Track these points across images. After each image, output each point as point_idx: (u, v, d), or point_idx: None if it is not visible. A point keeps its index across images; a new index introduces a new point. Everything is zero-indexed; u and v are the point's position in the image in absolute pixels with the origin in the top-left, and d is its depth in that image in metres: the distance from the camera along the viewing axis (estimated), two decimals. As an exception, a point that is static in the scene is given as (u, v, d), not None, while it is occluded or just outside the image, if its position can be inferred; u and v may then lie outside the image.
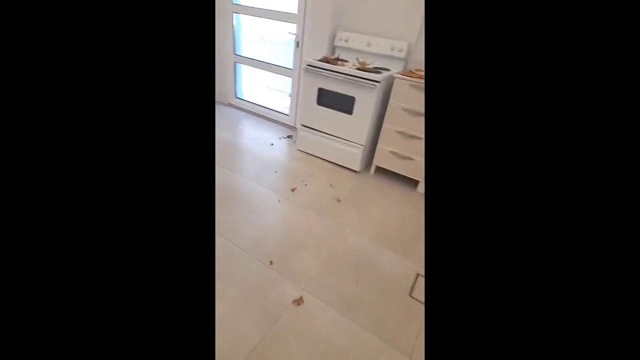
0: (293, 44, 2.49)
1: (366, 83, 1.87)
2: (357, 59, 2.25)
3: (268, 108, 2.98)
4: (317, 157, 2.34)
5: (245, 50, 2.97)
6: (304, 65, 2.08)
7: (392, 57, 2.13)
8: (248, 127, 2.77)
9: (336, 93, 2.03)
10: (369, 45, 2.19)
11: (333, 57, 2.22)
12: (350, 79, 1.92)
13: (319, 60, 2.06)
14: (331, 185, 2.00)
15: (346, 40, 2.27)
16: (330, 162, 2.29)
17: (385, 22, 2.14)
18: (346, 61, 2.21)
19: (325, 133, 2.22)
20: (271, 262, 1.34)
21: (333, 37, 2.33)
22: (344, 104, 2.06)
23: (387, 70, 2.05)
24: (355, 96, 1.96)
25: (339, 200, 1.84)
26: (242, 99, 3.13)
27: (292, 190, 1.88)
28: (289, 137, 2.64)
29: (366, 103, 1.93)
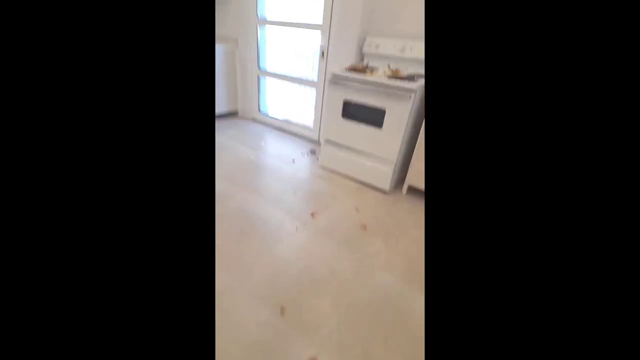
0: (318, 55, 2.34)
1: (398, 92, 1.63)
2: (389, 66, 2.02)
3: (291, 122, 2.84)
4: (341, 174, 2.11)
5: (270, 63, 2.90)
6: (329, 76, 1.90)
7: (429, 64, 1.88)
8: (270, 142, 2.63)
9: (364, 105, 1.80)
10: (402, 50, 1.96)
11: (361, 66, 2.02)
12: (380, 89, 1.70)
13: (345, 69, 1.87)
14: (356, 209, 1.75)
15: (377, 47, 2.06)
16: (356, 180, 2.05)
17: (421, 22, 1.91)
18: (376, 69, 2.00)
19: (350, 148, 1.99)
20: (282, 310, 1.11)
21: (361, 44, 2.13)
22: (372, 116, 1.82)
23: (424, 76, 1.80)
24: (385, 108, 1.72)
25: (364, 228, 1.59)
26: (265, 114, 3.04)
27: (312, 215, 1.66)
28: (311, 152, 2.45)
29: (399, 115, 1.68)
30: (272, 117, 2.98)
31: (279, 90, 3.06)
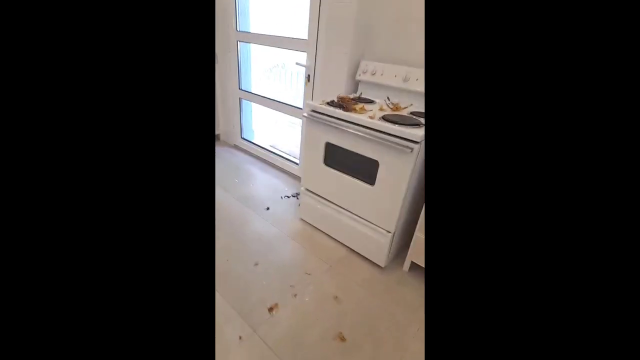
0: (304, 78, 1.92)
1: (396, 143, 1.17)
2: (388, 98, 1.57)
3: (276, 153, 2.41)
4: (324, 233, 1.65)
5: (255, 84, 2.50)
6: (307, 110, 1.47)
7: (441, 97, 1.42)
8: (247, 179, 2.19)
9: (350, 152, 1.36)
10: (405, 80, 1.51)
11: (352, 97, 1.57)
12: (371, 136, 1.24)
13: (327, 104, 1.42)
14: (336, 298, 1.27)
15: (373, 73, 1.61)
16: (343, 244, 1.57)
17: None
18: (371, 102, 1.55)
19: (335, 204, 1.53)
20: None
21: (355, 69, 1.70)
22: (362, 168, 1.36)
23: None
24: (378, 160, 1.27)
25: (342, 339, 1.11)
26: (249, 141, 2.62)
27: (270, 310, 1.19)
28: (293, 196, 2.00)
29: (397, 171, 1.21)
30: (256, 145, 2.56)
31: (265, 115, 2.66)
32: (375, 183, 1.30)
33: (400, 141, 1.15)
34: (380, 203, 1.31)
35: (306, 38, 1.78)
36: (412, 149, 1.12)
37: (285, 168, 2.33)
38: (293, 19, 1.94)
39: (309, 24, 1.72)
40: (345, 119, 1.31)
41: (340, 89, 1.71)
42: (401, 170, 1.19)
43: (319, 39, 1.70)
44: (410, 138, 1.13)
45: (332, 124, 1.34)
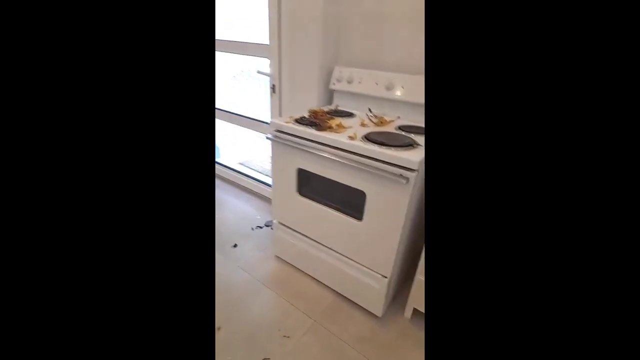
0: (269, 89, 1.64)
1: (386, 171, 0.91)
2: (370, 110, 1.33)
3: (245, 174, 2.10)
4: (304, 274, 1.36)
5: (220, 95, 2.19)
6: (271, 130, 1.19)
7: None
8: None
9: (329, 181, 1.10)
10: (389, 88, 1.27)
11: (327, 110, 1.32)
12: (352, 162, 0.98)
13: (297, 121, 1.14)
14: (323, 372, 1.01)
15: (349, 82, 1.37)
16: (329, 288, 1.30)
17: (419, 48, 1.24)
18: (350, 115, 1.30)
19: (316, 242, 1.26)
20: None
21: (328, 77, 1.45)
22: (345, 200, 1.10)
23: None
24: (364, 191, 1.02)
25: None
26: (217, 163, 2.31)
27: (235, 406, 0.91)
28: (267, 225, 1.71)
29: (390, 205, 0.96)
30: (222, 166, 2.25)
31: (236, 132, 2.36)
32: (364, 218, 1.05)
33: (391, 169, 0.90)
34: (372, 242, 1.06)
35: (267, 43, 1.51)
36: (407, 179, 0.88)
37: (257, 191, 2.03)
38: (255, 22, 1.67)
39: (269, 26, 1.45)
40: (318, 140, 1.05)
41: (312, 101, 1.45)
42: (395, 204, 0.94)
43: (282, 42, 1.43)
44: (405, 165, 0.89)
45: (304, 147, 1.07)
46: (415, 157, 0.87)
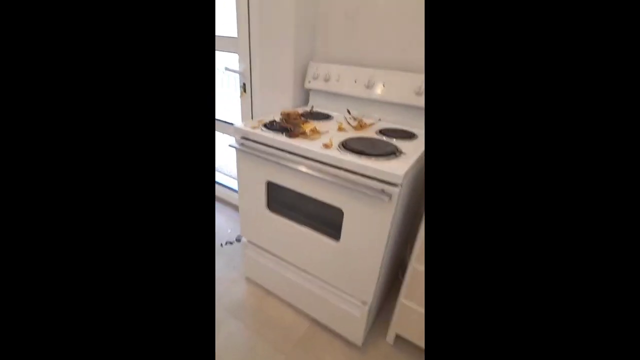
0: (239, 88, 1.48)
1: (365, 186, 0.77)
2: (348, 112, 1.20)
3: (219, 182, 1.90)
4: (277, 298, 1.22)
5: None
6: (236, 136, 1.04)
7: (417, 108, 1.08)
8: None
9: (302, 196, 0.96)
10: (369, 86, 1.14)
11: (301, 112, 1.17)
12: (329, 175, 0.84)
13: (266, 126, 0.98)
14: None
15: (326, 79, 1.22)
16: (304, 313, 1.15)
17: (401, 42, 1.12)
18: (327, 117, 1.15)
19: (288, 263, 1.11)
20: None
21: (303, 74, 1.31)
22: (320, 217, 0.96)
23: (411, 137, 0.99)
24: (341, 208, 0.87)
25: None
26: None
27: None
28: (237, 240, 1.55)
29: (370, 225, 0.82)
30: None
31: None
32: (342, 238, 0.91)
33: (371, 183, 0.77)
34: (351, 265, 0.92)
35: (235, 36, 1.35)
36: (389, 195, 0.74)
37: (229, 200, 1.86)
38: (221, 13, 1.50)
39: (237, 17, 1.29)
40: (289, 150, 0.90)
41: (286, 101, 1.30)
42: (376, 224, 0.81)
43: (252, 34, 1.28)
44: (386, 179, 0.75)
45: (272, 158, 0.92)
46: (399, 169, 0.74)
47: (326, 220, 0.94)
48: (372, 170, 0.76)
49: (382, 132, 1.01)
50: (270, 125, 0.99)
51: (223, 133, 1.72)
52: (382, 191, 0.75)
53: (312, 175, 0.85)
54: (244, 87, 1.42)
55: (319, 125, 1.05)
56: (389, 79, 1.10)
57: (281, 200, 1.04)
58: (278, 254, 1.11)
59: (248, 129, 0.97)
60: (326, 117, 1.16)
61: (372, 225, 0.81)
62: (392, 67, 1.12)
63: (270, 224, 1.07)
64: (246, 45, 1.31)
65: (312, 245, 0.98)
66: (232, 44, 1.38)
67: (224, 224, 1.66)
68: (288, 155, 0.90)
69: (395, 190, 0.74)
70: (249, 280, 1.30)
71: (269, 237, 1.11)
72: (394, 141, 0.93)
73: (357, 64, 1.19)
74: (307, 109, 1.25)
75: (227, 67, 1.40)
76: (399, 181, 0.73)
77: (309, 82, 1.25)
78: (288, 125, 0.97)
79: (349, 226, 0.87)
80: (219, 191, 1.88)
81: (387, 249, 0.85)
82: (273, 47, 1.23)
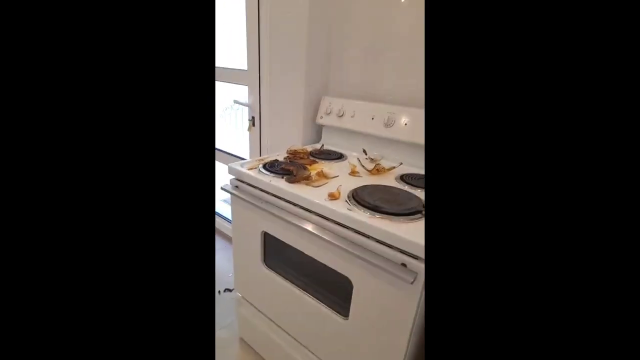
0: (247, 122, 1.39)
1: (380, 258, 0.58)
2: (364, 152, 1.04)
3: (221, 216, 1.77)
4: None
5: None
6: (230, 177, 0.91)
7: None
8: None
9: (304, 255, 0.76)
10: (388, 124, 0.98)
11: (310, 150, 1.03)
12: (333, 238, 0.65)
13: (267, 166, 0.83)
14: None
15: (340, 115, 1.09)
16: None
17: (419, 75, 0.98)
18: (339, 157, 1.00)
19: (287, 334, 0.89)
20: None
21: (315, 109, 1.19)
22: (325, 283, 0.77)
23: None
24: (349, 278, 0.67)
25: None
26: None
27: None
28: (229, 290, 1.37)
29: (386, 306, 0.61)
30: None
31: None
32: (351, 315, 0.71)
33: (387, 253, 0.57)
34: (363, 351, 0.71)
35: (245, 68, 1.28)
36: (414, 274, 0.55)
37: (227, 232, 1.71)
38: (232, 45, 1.46)
39: (247, 47, 1.23)
40: (287, 198, 0.74)
41: (296, 137, 1.18)
42: (395, 307, 0.61)
43: (262, 66, 1.20)
44: (409, 250, 0.55)
45: (267, 206, 0.77)
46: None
47: (332, 289, 0.75)
48: (389, 236, 0.57)
49: (403, 179, 0.84)
50: (271, 166, 0.85)
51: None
52: (403, 266, 0.56)
53: (314, 234, 0.68)
54: (252, 121, 1.33)
55: (329, 166, 0.90)
56: (412, 116, 0.94)
57: (280, 256, 0.86)
58: (274, 320, 0.92)
59: (242, 169, 0.83)
60: (339, 157, 1.01)
61: (390, 308, 0.61)
62: (415, 104, 0.97)
63: (265, 283, 0.89)
64: (256, 76, 1.23)
65: (314, 318, 0.78)
66: (242, 77, 1.32)
67: (227, 265, 1.49)
68: (285, 205, 0.74)
69: (421, 266, 0.54)
70: (242, 342, 1.10)
71: (264, 298, 0.93)
72: (418, 192, 0.75)
73: (376, 100, 1.05)
74: (317, 146, 1.11)
75: (235, 99, 1.33)
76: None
77: (321, 117, 1.13)
78: (290, 168, 0.82)
79: (359, 302, 0.67)
80: (221, 225, 1.75)
81: (412, 336, 0.64)
82: (283, 79, 1.13)
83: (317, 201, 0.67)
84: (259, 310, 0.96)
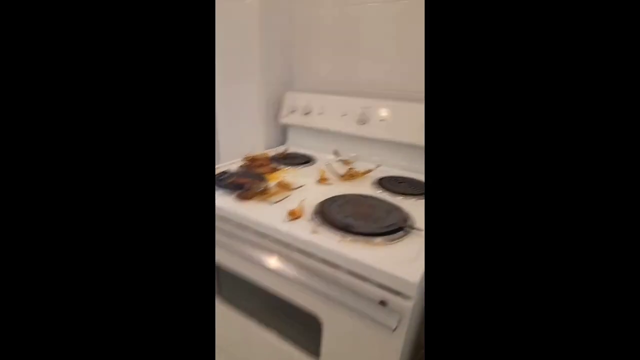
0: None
1: (353, 297, 0.45)
2: (336, 153, 0.92)
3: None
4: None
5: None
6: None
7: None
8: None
9: (264, 292, 0.61)
10: (362, 121, 0.87)
11: (272, 155, 0.88)
12: (295, 270, 0.51)
13: (222, 175, 0.70)
14: None
15: (307, 112, 0.95)
16: None
17: (407, 64, 0.84)
18: (307, 161, 0.85)
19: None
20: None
21: (277, 106, 1.05)
22: (291, 318, 0.61)
23: (415, 195, 0.63)
24: (319, 316, 0.53)
25: None
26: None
27: None
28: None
29: (362, 349, 0.48)
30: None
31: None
32: (321, 356, 0.58)
33: (362, 287, 0.44)
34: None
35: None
36: (397, 314, 0.42)
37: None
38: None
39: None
40: (235, 219, 0.59)
41: (258, 140, 1.03)
42: (374, 354, 0.49)
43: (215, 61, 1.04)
44: (390, 284, 0.41)
45: (219, 227, 0.62)
46: (412, 267, 0.42)
47: (299, 326, 0.61)
48: (364, 267, 0.44)
49: (381, 184, 0.71)
50: (219, 180, 0.70)
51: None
52: (382, 305, 0.43)
53: (264, 264, 0.54)
54: (210, 123, 1.16)
55: (294, 173, 0.76)
56: (390, 110, 0.82)
57: (236, 290, 0.71)
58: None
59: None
60: (306, 161, 0.87)
61: (368, 353, 0.48)
62: (395, 96, 0.85)
63: (222, 320, 0.73)
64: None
65: (279, 358, 0.64)
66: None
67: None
68: (233, 229, 0.59)
69: (406, 306, 0.41)
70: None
71: (223, 337, 0.77)
72: (399, 200, 0.62)
73: (347, 94, 0.93)
74: (281, 150, 0.97)
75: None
76: (411, 292, 0.40)
77: (286, 116, 0.99)
78: (242, 181, 0.67)
79: (330, 343, 0.53)
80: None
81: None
82: (238, 74, 0.98)
83: (272, 223, 0.53)
84: (220, 349, 0.81)
